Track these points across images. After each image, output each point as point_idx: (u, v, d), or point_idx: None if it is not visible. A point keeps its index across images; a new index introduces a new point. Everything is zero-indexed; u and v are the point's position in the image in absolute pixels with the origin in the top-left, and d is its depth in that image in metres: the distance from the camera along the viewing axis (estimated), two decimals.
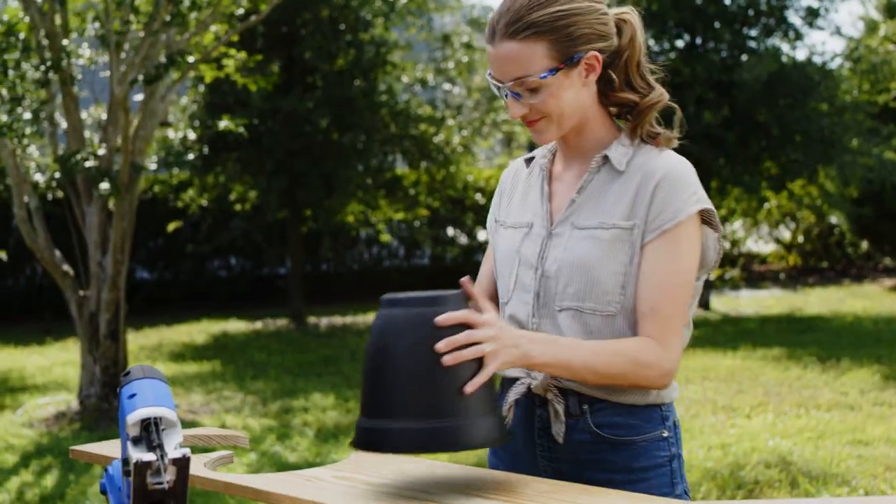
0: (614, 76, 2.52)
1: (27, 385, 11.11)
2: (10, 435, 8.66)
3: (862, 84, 19.63)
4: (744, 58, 15.15)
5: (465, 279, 2.37)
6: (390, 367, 2.21)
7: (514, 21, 2.39)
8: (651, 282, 2.39)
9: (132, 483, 1.84)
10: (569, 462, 2.46)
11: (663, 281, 2.38)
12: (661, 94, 2.55)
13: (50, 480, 7.21)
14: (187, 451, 1.85)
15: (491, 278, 2.72)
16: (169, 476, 1.85)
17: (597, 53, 2.44)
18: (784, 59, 15.47)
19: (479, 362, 2.23)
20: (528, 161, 2.74)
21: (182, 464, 1.85)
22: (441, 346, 2.16)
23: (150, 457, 1.83)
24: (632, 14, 2.54)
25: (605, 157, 2.51)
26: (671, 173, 2.43)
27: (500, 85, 2.45)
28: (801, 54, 37.95)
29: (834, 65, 16.82)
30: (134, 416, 1.90)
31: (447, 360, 2.16)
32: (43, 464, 7.68)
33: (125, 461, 1.92)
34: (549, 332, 2.48)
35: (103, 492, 2.22)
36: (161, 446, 1.87)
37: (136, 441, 1.90)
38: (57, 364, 12.52)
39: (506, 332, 2.25)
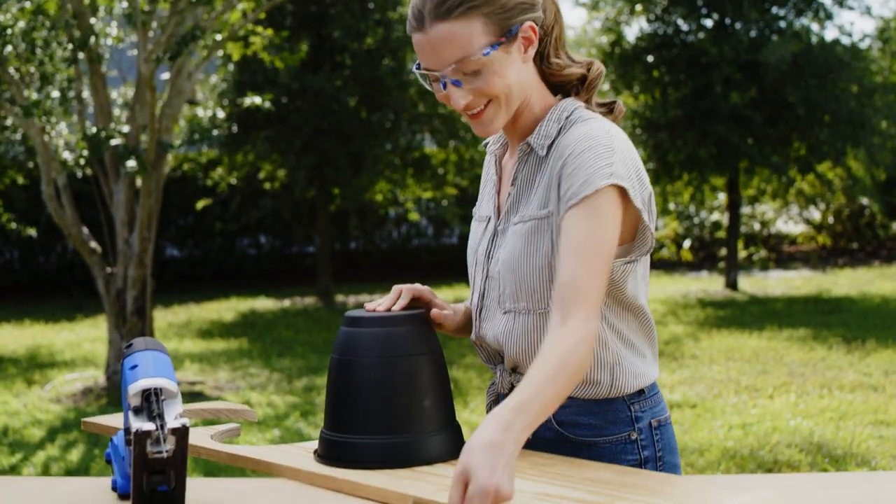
0: (550, 51, 2.38)
1: (56, 361, 11.21)
2: (38, 410, 8.75)
3: (893, 65, 19.49)
4: (774, 38, 15.06)
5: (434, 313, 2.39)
6: (352, 384, 2.29)
7: (448, 2, 2.23)
8: (563, 250, 2.17)
9: (133, 452, 1.89)
10: None
11: (574, 248, 2.15)
12: (600, 65, 2.41)
13: (75, 455, 7.29)
14: (186, 420, 1.89)
15: None
16: (168, 445, 1.89)
17: (532, 24, 2.28)
18: (813, 38, 15.38)
19: (438, 376, 2.31)
20: None
21: (181, 433, 1.90)
22: None
23: (150, 426, 1.88)
24: None
25: (528, 144, 2.36)
26: (581, 145, 2.23)
27: (436, 74, 2.28)
28: (829, 34, 37.75)
29: (863, 45, 16.68)
30: (135, 387, 1.95)
31: None
32: (69, 438, 7.77)
33: (127, 430, 1.97)
34: (487, 334, 2.40)
35: (108, 461, 2.27)
36: (161, 416, 1.91)
37: (137, 411, 1.95)
38: (86, 340, 12.62)
39: (482, 468, 1.88)
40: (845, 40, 15.81)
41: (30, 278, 18.11)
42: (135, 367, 2.01)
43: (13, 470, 6.98)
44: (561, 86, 2.42)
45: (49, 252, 18.14)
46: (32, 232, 12.85)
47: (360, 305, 15.38)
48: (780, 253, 22.50)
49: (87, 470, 6.89)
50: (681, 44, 15.58)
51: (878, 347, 10.43)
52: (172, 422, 1.90)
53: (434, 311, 2.39)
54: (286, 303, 16.20)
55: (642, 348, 2.36)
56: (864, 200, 22.21)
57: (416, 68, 2.33)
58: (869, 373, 9.23)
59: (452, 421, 2.35)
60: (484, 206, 2.52)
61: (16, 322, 14.71)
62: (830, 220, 23.19)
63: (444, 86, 2.28)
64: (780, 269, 19.94)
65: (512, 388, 2.38)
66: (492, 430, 1.93)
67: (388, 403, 2.23)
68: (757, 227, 22.87)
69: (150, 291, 9.71)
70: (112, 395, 9.18)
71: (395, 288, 2.43)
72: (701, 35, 15.48)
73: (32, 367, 10.90)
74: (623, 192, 2.19)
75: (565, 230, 2.18)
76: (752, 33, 15.27)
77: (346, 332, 2.33)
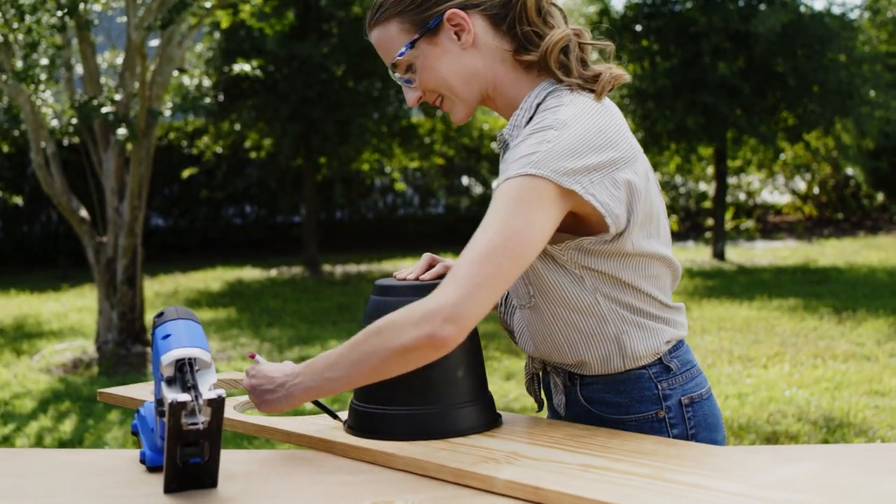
0: (518, 30, 2.26)
1: (43, 331, 11.14)
2: (28, 381, 8.69)
3: (881, 35, 19.49)
4: (761, 7, 15.03)
5: None
6: None
7: (373, 10, 2.29)
8: None
9: (167, 424, 1.84)
10: None
11: (475, 235, 2.05)
12: (551, 37, 2.24)
13: (68, 426, 7.23)
14: (222, 391, 1.84)
15: None
16: (204, 417, 1.84)
17: (456, 10, 2.22)
18: (801, 9, 15.36)
19: (471, 346, 2.27)
20: None
21: (217, 405, 1.85)
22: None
23: (185, 397, 1.82)
24: None
25: (503, 136, 2.29)
26: (520, 138, 2.14)
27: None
28: (818, 4, 37.73)
29: (853, 15, 16.70)
30: (168, 357, 1.90)
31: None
32: (61, 409, 7.71)
33: (159, 402, 1.92)
34: (511, 323, 2.41)
35: (135, 433, 2.22)
36: (196, 387, 1.86)
37: (171, 381, 1.90)
38: (73, 310, 12.55)
39: (260, 384, 2.20)
40: (835, 10, 15.79)
41: (14, 248, 18.00)
42: (167, 336, 1.95)
43: (6, 441, 6.93)
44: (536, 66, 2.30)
45: (33, 221, 18.03)
46: (19, 200, 12.74)
47: (347, 275, 15.36)
48: (766, 223, 22.54)
49: (80, 441, 6.84)
50: (669, 13, 15.52)
51: (868, 317, 10.44)
52: (208, 393, 1.85)
53: None
54: (273, 272, 16.16)
55: (652, 311, 2.29)
56: (850, 171, 22.26)
57: None
58: (861, 342, 9.24)
59: (485, 392, 2.31)
60: None
61: (1, 292, 14.62)
62: (816, 190, 23.22)
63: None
64: (766, 239, 19.96)
65: (544, 368, 2.42)
66: (284, 369, 2.20)
67: (422, 374, 2.17)
68: (743, 197, 22.90)
69: (141, 261, 9.64)
70: (103, 366, 9.13)
71: (426, 255, 2.40)
72: (689, 4, 15.42)
73: (20, 337, 10.83)
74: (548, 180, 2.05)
75: None
76: (741, 2, 15.23)
77: (377, 300, 2.29)
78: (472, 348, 2.29)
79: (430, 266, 2.38)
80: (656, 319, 2.29)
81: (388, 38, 2.26)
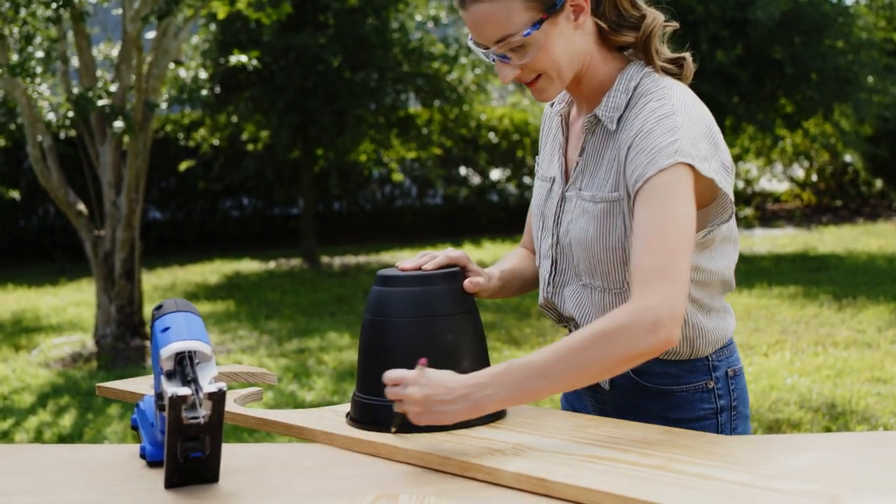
0: (607, 13, 2.27)
1: (42, 325, 11.11)
2: (27, 375, 8.66)
3: (878, 21, 19.45)
4: None
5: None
6: (387, 346, 2.23)
7: None
8: (635, 234, 2.12)
9: (167, 418, 1.81)
10: (613, 406, 2.38)
11: (645, 232, 2.09)
12: (654, 18, 2.29)
13: (68, 420, 7.21)
14: (223, 385, 1.82)
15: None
16: (204, 411, 1.82)
17: None
18: None
19: (476, 337, 2.27)
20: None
21: (218, 398, 1.82)
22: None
23: (185, 391, 1.80)
24: None
25: (596, 117, 2.28)
26: (647, 125, 2.15)
27: (485, 50, 2.22)
28: None
29: (850, 1, 16.67)
30: (168, 350, 1.87)
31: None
32: (60, 403, 7.69)
33: (159, 396, 1.89)
34: (565, 303, 2.37)
35: (134, 427, 2.19)
36: (196, 380, 1.84)
37: (170, 375, 1.87)
38: (71, 304, 12.52)
39: (436, 394, 2.03)
40: None
41: (11, 242, 17.94)
42: (166, 329, 1.93)
43: (6, 436, 6.91)
44: (617, 48, 2.34)
45: (30, 216, 17.97)
46: (15, 194, 12.69)
47: (345, 267, 15.34)
48: (765, 211, 22.51)
49: (80, 435, 6.82)
50: (665, 1, 15.46)
51: (868, 304, 10.41)
52: (208, 386, 1.82)
53: (468, 282, 2.32)
54: (271, 265, 16.12)
55: (722, 306, 2.37)
56: (848, 158, 22.22)
57: (469, 39, 2.27)
58: (862, 329, 9.21)
59: None
60: (547, 166, 2.47)
61: None
62: (814, 177, 23.19)
63: (494, 59, 2.24)
64: (764, 227, 19.93)
65: None
66: (462, 380, 2.03)
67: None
68: (741, 185, 22.88)
69: (139, 254, 9.62)
70: (102, 360, 9.10)
71: (423, 252, 2.38)
72: None
73: (18, 331, 10.80)
74: (691, 167, 2.12)
75: (635, 214, 2.13)
76: None
77: (379, 291, 2.26)
78: (477, 337, 2.26)
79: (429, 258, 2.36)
80: (723, 312, 2.36)
81: (505, 14, 2.15)
